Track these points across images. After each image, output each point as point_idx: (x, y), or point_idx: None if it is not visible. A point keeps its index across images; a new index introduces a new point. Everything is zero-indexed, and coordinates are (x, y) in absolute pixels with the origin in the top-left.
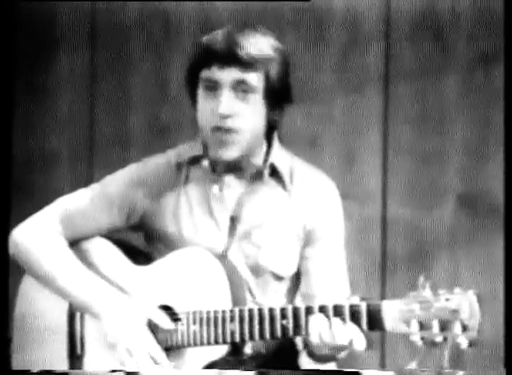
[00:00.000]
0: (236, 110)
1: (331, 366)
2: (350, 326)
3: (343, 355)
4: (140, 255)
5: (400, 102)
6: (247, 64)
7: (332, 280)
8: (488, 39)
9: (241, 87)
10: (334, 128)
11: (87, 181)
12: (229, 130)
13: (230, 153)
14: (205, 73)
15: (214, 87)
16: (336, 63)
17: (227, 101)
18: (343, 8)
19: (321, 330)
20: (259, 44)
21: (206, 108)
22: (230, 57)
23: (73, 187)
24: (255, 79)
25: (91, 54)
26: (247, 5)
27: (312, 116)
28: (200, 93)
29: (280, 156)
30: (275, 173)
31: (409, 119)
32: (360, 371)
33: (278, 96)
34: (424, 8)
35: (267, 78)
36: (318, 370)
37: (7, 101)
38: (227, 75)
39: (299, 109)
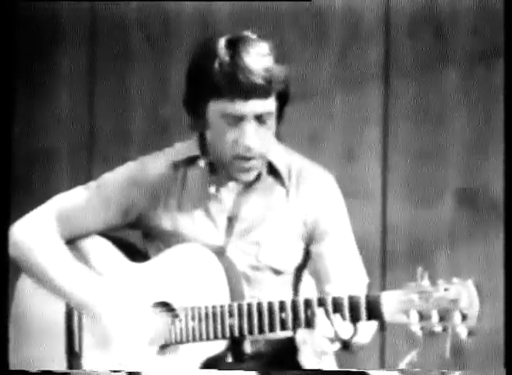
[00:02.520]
0: (260, 139)
1: (332, 366)
2: (351, 320)
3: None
4: (137, 253)
5: (399, 99)
6: (266, 91)
7: (350, 271)
8: (488, 35)
9: (263, 117)
10: (333, 125)
11: (86, 178)
12: (253, 158)
13: (251, 177)
14: (224, 106)
15: (235, 119)
16: (335, 60)
17: (253, 133)
18: (342, 4)
19: (324, 328)
20: (269, 65)
21: (227, 138)
22: (251, 89)
23: (72, 184)
24: (273, 105)
25: (91, 52)
26: (247, 2)
27: (312, 113)
28: (217, 122)
29: (277, 153)
30: (273, 170)
31: (409, 116)
32: (367, 371)
33: (284, 107)
34: (424, 4)
35: (279, 98)
36: (321, 370)
37: (7, 98)
38: (249, 108)
39: (299, 106)
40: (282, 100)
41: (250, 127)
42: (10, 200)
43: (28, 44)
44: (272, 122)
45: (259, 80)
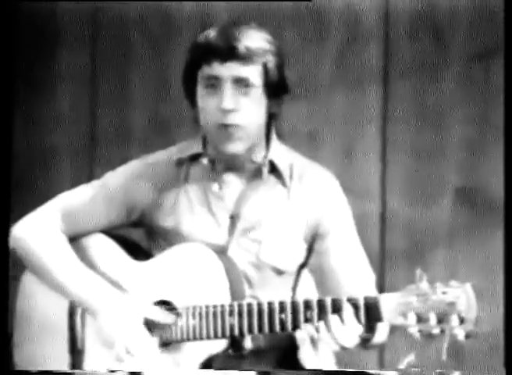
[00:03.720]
0: (239, 105)
1: (331, 364)
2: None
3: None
4: (139, 251)
5: (398, 99)
6: (246, 58)
7: (357, 269)
8: (486, 36)
9: (242, 82)
10: (333, 124)
11: (87, 177)
12: (233, 126)
13: (236, 147)
14: (205, 71)
15: (215, 83)
16: (335, 60)
17: (230, 96)
18: (342, 6)
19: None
20: (255, 39)
21: (209, 105)
22: (229, 52)
23: (74, 183)
24: (255, 73)
25: (93, 51)
26: (246, 4)
27: (312, 113)
28: (201, 90)
29: (279, 152)
30: (274, 169)
31: (407, 116)
32: (367, 371)
33: (276, 87)
34: (423, 5)
35: (265, 71)
36: (321, 371)
37: (8, 98)
38: (228, 70)
39: (299, 106)
40: (271, 77)
41: (227, 91)
42: (10, 200)
43: (30, 45)
44: (255, 94)
45: (237, 44)
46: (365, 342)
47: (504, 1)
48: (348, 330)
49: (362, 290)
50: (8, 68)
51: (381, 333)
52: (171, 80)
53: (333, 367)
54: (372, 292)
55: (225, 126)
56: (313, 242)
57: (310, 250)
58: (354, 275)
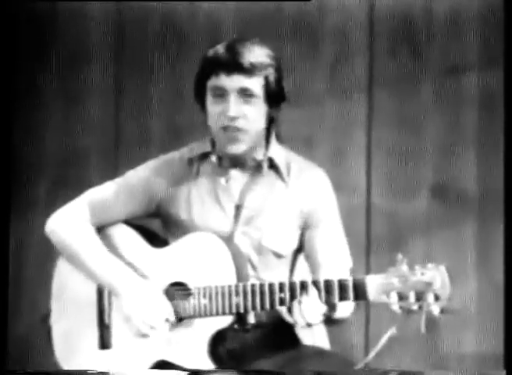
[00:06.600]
0: (243, 112)
1: (323, 338)
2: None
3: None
4: (156, 239)
5: (381, 107)
6: (250, 71)
7: (337, 256)
8: (458, 52)
9: (245, 92)
10: (325, 129)
11: (113, 176)
12: (237, 129)
13: (238, 148)
14: (213, 81)
15: (221, 93)
16: (327, 73)
17: (234, 104)
18: (333, 26)
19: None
20: (258, 54)
21: (216, 111)
22: (235, 66)
23: (101, 181)
24: (257, 84)
25: (118, 67)
26: (251, 23)
27: (307, 118)
28: (209, 99)
29: (277, 151)
30: (273, 166)
31: (390, 122)
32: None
33: (275, 96)
34: (403, 26)
35: (266, 83)
36: (322, 371)
37: (43, 108)
38: (233, 82)
39: (295, 112)
40: (271, 88)
41: (233, 99)
42: (10, 200)
43: (63, 58)
44: (258, 103)
45: (242, 58)
46: (330, 320)
47: (478, 22)
48: (337, 306)
49: (339, 273)
50: (45, 83)
51: (342, 310)
52: (185, 92)
53: (325, 341)
54: (346, 275)
55: (229, 130)
56: (305, 230)
57: (302, 237)
58: (333, 262)
